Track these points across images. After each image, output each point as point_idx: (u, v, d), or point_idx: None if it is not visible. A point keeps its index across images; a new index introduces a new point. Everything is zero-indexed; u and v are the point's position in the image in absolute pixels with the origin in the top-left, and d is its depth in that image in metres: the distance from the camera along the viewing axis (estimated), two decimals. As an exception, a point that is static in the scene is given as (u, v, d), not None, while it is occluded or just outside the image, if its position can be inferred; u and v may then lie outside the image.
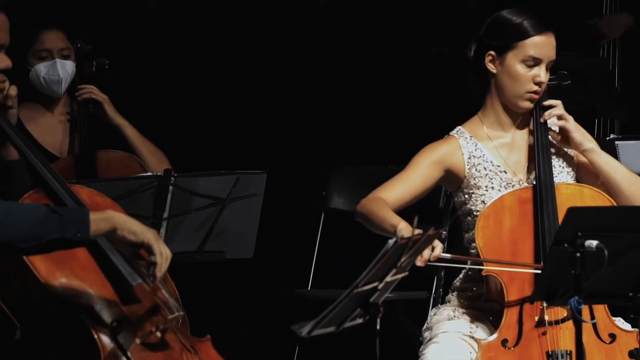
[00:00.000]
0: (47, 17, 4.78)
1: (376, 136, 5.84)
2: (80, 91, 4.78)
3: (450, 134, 3.92)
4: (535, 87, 3.81)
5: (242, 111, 5.81)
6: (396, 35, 5.87)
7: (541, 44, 3.80)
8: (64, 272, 3.29)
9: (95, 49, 4.85)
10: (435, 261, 3.58)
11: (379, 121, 5.86)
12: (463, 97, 4.93)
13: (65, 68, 4.74)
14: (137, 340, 3.30)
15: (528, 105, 3.85)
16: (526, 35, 3.80)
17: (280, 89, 5.81)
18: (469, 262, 3.79)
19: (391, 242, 3.09)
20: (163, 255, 3.23)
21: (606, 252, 3.18)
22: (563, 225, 3.29)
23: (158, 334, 3.33)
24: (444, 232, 4.50)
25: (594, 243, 3.20)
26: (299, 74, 5.82)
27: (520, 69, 3.82)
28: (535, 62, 3.81)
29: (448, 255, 3.59)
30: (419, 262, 3.54)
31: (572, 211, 3.26)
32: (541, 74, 3.81)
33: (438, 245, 3.57)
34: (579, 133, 3.87)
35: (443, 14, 5.85)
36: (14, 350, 3.30)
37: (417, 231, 3.17)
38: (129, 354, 3.26)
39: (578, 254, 3.21)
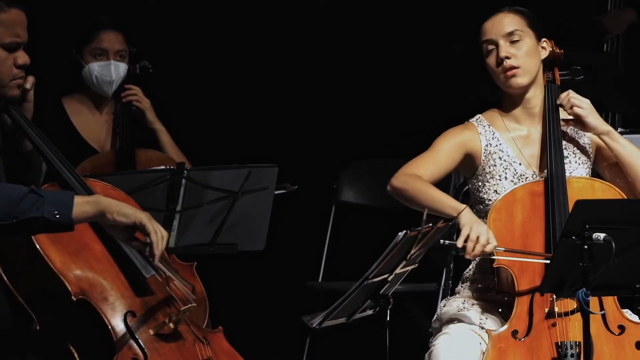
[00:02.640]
0: (108, 19, 4.81)
1: (386, 131, 5.86)
2: (126, 92, 4.83)
3: (470, 121, 3.96)
4: (503, 65, 3.83)
5: (254, 106, 5.84)
6: (406, 31, 5.89)
7: (487, 28, 3.87)
8: (78, 264, 3.31)
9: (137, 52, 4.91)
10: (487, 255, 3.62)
11: (388, 116, 5.88)
12: (472, 92, 4.96)
13: (118, 70, 4.79)
14: (151, 331, 3.32)
15: (511, 84, 3.86)
16: (479, 28, 3.88)
17: (291, 84, 5.83)
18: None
19: (401, 234, 3.12)
20: (158, 234, 3.18)
21: (614, 244, 3.20)
22: (571, 217, 3.32)
23: (171, 325, 3.35)
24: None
25: (601, 235, 3.23)
26: (311, 70, 5.83)
27: (487, 59, 3.88)
28: (492, 44, 3.85)
29: (502, 249, 3.62)
30: (468, 256, 3.60)
31: (580, 204, 3.28)
32: (500, 50, 3.84)
33: (492, 238, 3.61)
34: (593, 117, 3.88)
35: (453, 10, 5.86)
36: (30, 340, 3.32)
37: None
38: (142, 344, 3.29)
39: (586, 247, 3.24)
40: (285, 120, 5.82)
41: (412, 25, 5.88)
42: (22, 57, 3.32)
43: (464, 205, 3.70)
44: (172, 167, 4.27)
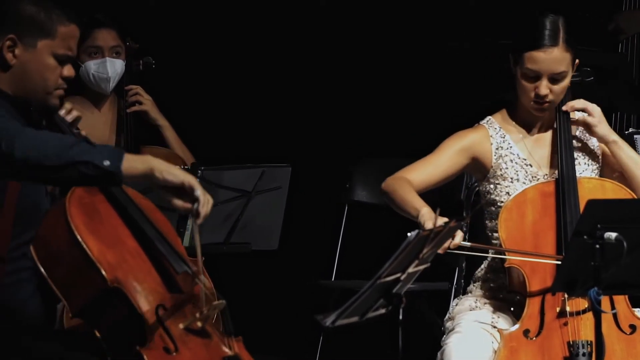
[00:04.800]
0: (101, 16, 4.81)
1: (399, 129, 5.88)
2: (129, 93, 4.84)
3: (480, 123, 3.96)
4: (536, 99, 3.82)
5: (267, 105, 5.86)
6: (416, 28, 5.90)
7: (539, 59, 3.80)
8: (114, 256, 3.33)
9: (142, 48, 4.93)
10: (455, 249, 3.62)
11: (401, 115, 5.90)
12: (484, 90, 4.96)
13: (115, 67, 4.79)
14: (181, 325, 3.34)
15: (538, 114, 3.87)
16: (526, 49, 3.81)
17: (304, 83, 5.85)
18: (490, 252, 3.83)
19: (413, 233, 3.14)
20: (206, 195, 3.21)
21: (625, 243, 3.21)
22: (582, 217, 3.32)
23: (199, 323, 3.37)
24: (464, 224, 4.54)
25: (613, 235, 3.24)
26: (324, 68, 5.85)
27: (523, 80, 3.83)
28: (535, 74, 3.81)
29: (468, 244, 3.63)
30: (440, 250, 3.58)
31: (592, 203, 3.29)
32: (541, 87, 3.81)
33: (458, 234, 3.60)
34: (602, 126, 3.89)
35: (460, 7, 5.87)
36: (59, 332, 3.37)
37: (442, 220, 3.21)
38: (173, 336, 3.31)
39: (597, 246, 3.25)
40: (299, 119, 5.84)
41: (422, 22, 5.89)
42: (69, 70, 3.38)
43: (424, 204, 3.69)
44: (185, 166, 4.29)
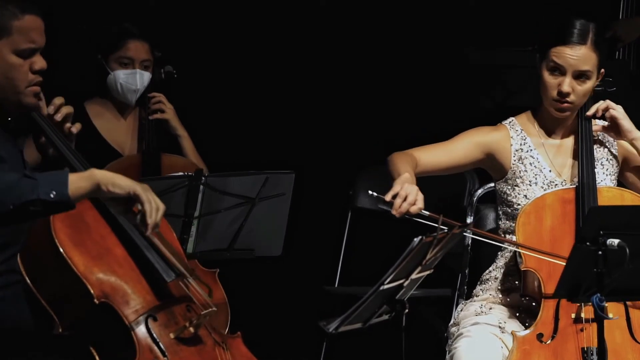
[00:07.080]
0: (131, 26, 4.84)
1: (402, 136, 5.86)
2: (152, 100, 4.86)
3: (502, 123, 3.97)
4: (559, 97, 3.83)
5: (270, 112, 5.86)
6: (421, 34, 5.90)
7: (565, 54, 3.81)
8: (101, 268, 3.34)
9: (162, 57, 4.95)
10: (413, 215, 3.58)
11: (405, 122, 5.90)
12: (493, 99, 4.95)
13: (143, 79, 4.83)
14: (171, 335, 3.35)
15: (558, 114, 3.88)
16: (552, 45, 3.82)
17: (308, 90, 5.85)
18: (439, 221, 3.71)
19: (417, 240, 3.15)
20: (152, 204, 3.13)
21: (628, 250, 3.22)
22: (586, 224, 3.34)
23: (191, 329, 3.38)
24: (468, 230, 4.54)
25: (615, 241, 3.25)
26: (328, 75, 5.85)
27: (547, 74, 3.84)
28: (559, 69, 3.82)
29: (426, 213, 3.60)
30: (394, 212, 3.57)
31: (595, 210, 3.31)
32: (564, 84, 3.82)
33: (419, 201, 3.58)
34: (627, 121, 3.91)
35: (467, 13, 5.88)
36: (52, 343, 3.35)
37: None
38: (163, 347, 3.32)
39: (600, 252, 3.26)
40: (302, 126, 5.84)
41: (426, 28, 5.89)
42: (39, 62, 3.27)
43: (407, 171, 3.68)
44: (190, 173, 4.30)
